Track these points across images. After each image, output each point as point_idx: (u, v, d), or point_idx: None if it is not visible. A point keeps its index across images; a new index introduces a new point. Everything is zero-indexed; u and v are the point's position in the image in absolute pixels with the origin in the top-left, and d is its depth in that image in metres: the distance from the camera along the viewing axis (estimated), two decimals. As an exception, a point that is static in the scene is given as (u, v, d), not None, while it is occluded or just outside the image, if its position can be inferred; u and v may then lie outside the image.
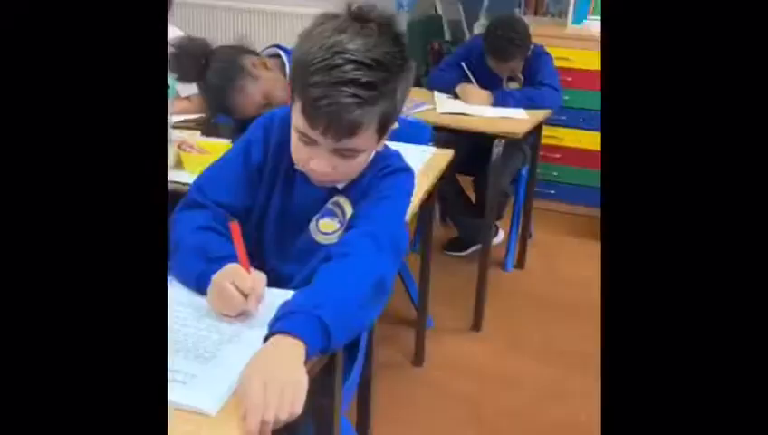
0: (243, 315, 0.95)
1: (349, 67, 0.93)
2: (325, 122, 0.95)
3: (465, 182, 2.71)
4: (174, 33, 1.99)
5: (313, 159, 1.01)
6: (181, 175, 1.49)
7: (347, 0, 1.00)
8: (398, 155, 1.14)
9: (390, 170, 1.10)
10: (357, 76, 0.93)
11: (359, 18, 0.97)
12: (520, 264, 2.72)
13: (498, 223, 2.73)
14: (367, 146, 1.03)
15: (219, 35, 3.40)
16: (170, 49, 1.71)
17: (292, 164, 1.10)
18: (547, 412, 1.90)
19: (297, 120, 1.00)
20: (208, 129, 1.78)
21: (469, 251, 2.71)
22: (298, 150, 1.04)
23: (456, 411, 1.89)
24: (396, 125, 1.05)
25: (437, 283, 2.11)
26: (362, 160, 1.05)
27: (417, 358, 2.07)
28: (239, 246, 0.96)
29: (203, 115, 1.90)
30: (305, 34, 0.99)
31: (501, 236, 2.81)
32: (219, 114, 1.91)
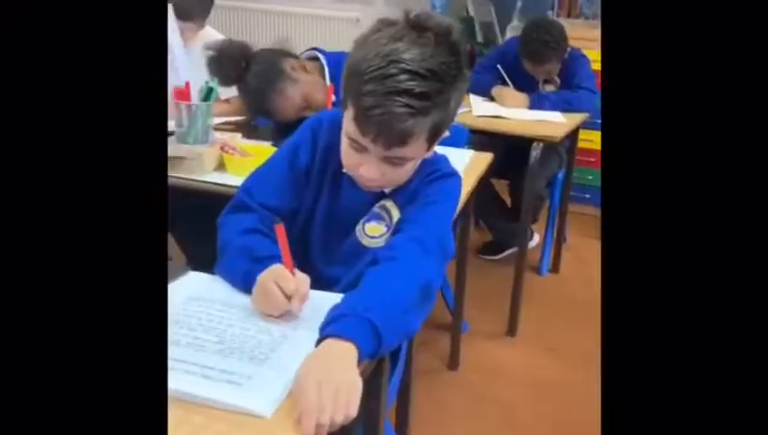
0: (287, 316, 0.96)
1: (403, 77, 0.92)
2: (376, 131, 0.96)
3: (499, 185, 2.70)
4: (214, 36, 2.02)
5: (363, 165, 1.02)
6: (224, 177, 1.51)
7: (404, 8, 1.00)
8: (445, 160, 1.14)
9: (438, 175, 1.10)
10: (411, 87, 0.92)
11: (416, 27, 0.96)
12: (554, 268, 2.69)
13: (533, 227, 2.71)
14: (417, 154, 1.03)
15: (257, 38, 3.44)
16: (210, 52, 1.74)
17: (340, 167, 1.10)
18: (583, 417, 1.88)
19: (348, 126, 1.00)
20: (248, 131, 1.80)
21: (503, 255, 2.70)
22: (348, 156, 1.04)
23: (491, 416, 1.88)
24: (446, 133, 1.05)
25: (471, 287, 2.10)
26: (411, 168, 1.05)
27: (453, 362, 2.06)
28: (284, 248, 0.97)
29: (243, 117, 1.92)
30: (361, 41, 0.99)
31: (536, 239, 2.78)
32: (259, 116, 1.92)
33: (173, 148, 1.52)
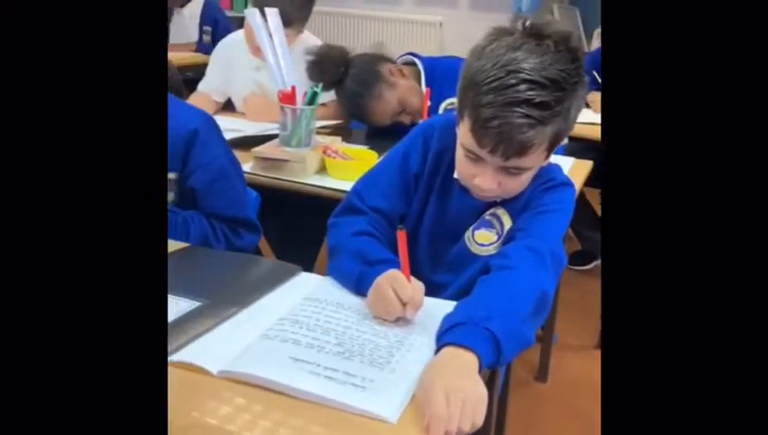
0: (400, 321, 0.96)
1: (523, 87, 0.91)
2: (495, 142, 0.95)
3: (589, 193, 2.62)
4: (312, 41, 2.05)
5: (478, 176, 1.01)
6: (324, 180, 1.53)
7: (518, 15, 0.99)
8: (559, 169, 1.12)
9: (553, 184, 1.08)
10: (531, 96, 0.91)
11: (534, 35, 0.95)
12: (645, 281, 2.60)
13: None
14: (535, 164, 1.01)
15: (341, 41, 3.50)
16: (311, 57, 1.77)
17: (450, 173, 1.10)
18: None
19: (465, 137, 1.00)
20: (344, 134, 1.82)
21: (592, 265, 2.63)
22: (463, 166, 1.03)
23: (581, 431, 1.83)
24: (565, 141, 1.03)
25: (559, 297, 2.05)
26: (528, 178, 1.04)
27: (542, 374, 2.02)
28: (403, 255, 0.96)
29: (340, 121, 1.95)
30: (477, 51, 0.98)
31: (626, 251, 2.70)
32: (354, 120, 1.95)
33: (277, 150, 1.55)
